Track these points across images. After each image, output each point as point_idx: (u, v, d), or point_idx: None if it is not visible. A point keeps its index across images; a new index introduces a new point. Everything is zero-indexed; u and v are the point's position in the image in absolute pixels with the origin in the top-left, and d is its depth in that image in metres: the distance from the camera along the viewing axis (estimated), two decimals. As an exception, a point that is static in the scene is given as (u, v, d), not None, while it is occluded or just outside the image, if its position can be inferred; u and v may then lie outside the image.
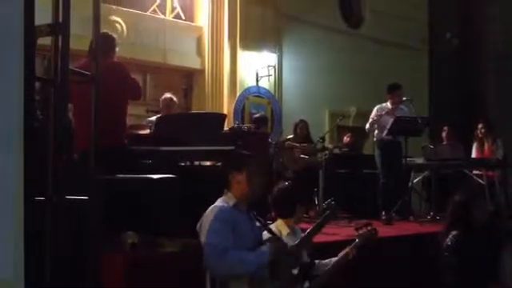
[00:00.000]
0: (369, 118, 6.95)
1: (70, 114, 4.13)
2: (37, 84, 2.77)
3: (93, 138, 2.51)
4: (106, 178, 3.30)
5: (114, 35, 4.58)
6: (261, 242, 3.03)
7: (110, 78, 3.85)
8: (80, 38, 3.26)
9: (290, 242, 3.28)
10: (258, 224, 3.14)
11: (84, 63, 3.85)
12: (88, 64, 3.03)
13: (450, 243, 3.49)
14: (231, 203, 3.00)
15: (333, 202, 3.54)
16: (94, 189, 2.51)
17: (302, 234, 3.43)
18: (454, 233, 3.53)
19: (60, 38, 2.28)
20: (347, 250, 3.35)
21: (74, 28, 2.71)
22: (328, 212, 3.43)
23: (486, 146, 7.30)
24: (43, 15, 2.46)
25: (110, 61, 4.26)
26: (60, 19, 2.32)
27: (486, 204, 3.93)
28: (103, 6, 7.01)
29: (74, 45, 2.65)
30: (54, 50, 2.29)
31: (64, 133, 2.29)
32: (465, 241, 3.45)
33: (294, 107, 9.16)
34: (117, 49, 4.48)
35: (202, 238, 2.92)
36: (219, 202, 3.02)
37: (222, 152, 4.57)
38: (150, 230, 3.76)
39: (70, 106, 4.12)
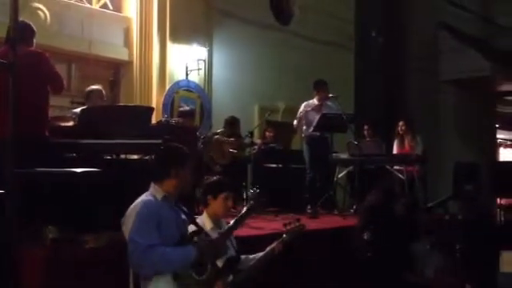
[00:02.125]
0: (297, 113, 7.08)
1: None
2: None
3: (11, 127, 2.40)
4: (26, 171, 3.19)
5: (31, 23, 4.43)
6: (186, 236, 3.02)
7: (29, 66, 3.72)
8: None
9: (214, 235, 3.29)
10: (183, 217, 3.13)
11: (2, 51, 3.70)
12: (6, 52, 2.91)
13: (366, 237, 3.62)
14: (159, 196, 2.96)
15: (257, 190, 3.52)
16: (11, 181, 2.42)
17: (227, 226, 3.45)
18: (371, 226, 3.66)
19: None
20: (274, 245, 3.38)
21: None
22: (251, 203, 3.44)
23: (406, 142, 7.61)
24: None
25: (29, 49, 4.11)
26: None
27: (404, 198, 4.08)
28: (25, -8, 6.76)
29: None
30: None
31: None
32: (382, 233, 3.58)
33: (223, 101, 9.17)
34: (34, 40, 4.34)
35: (126, 234, 2.87)
36: (145, 196, 2.97)
37: (148, 145, 4.52)
38: (72, 225, 3.67)
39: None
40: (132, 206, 2.93)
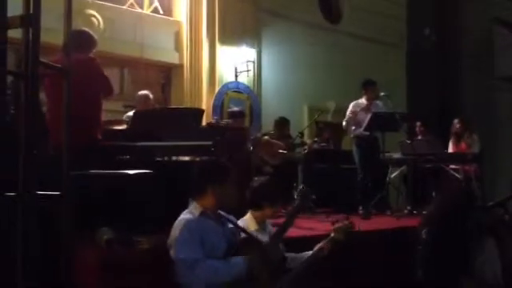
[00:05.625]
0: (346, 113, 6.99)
1: (44, 109, 4.07)
2: (8, 78, 2.73)
3: (65, 132, 2.46)
4: (79, 174, 3.25)
5: (90, 31, 4.52)
6: (235, 245, 2.97)
7: (82, 72, 3.80)
8: (54, 32, 3.20)
9: (259, 237, 3.25)
10: (230, 226, 3.07)
11: (58, 58, 3.80)
12: (61, 58, 2.98)
13: (424, 236, 3.51)
14: (197, 213, 2.92)
15: (304, 189, 3.43)
16: (66, 184, 2.47)
17: (272, 229, 3.40)
18: (428, 227, 3.55)
19: (30, 30, 2.23)
20: (322, 244, 3.31)
21: (48, 21, 2.66)
22: (298, 201, 3.36)
23: (463, 141, 7.38)
24: (15, 7, 2.42)
25: (82, 55, 4.20)
26: (31, 11, 2.27)
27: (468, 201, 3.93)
28: (78, 0, 6.95)
29: (47, 38, 2.61)
30: (25, 42, 2.24)
31: (35, 127, 2.23)
32: (439, 234, 3.47)
33: (272, 102, 9.16)
34: (94, 49, 4.41)
35: (172, 254, 2.87)
36: (184, 215, 2.95)
37: (198, 147, 4.55)
38: (126, 226, 3.72)
39: (45, 100, 4.07)
40: (174, 226, 2.92)
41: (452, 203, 3.65)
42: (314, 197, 3.44)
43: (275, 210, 3.52)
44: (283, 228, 3.22)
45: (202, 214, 2.92)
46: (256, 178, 3.68)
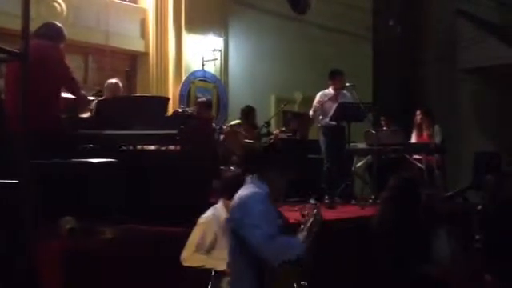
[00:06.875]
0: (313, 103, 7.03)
1: (3, 95, 3.96)
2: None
3: (21, 118, 2.40)
4: (41, 162, 3.19)
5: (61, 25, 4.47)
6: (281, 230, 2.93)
7: (42, 58, 3.73)
8: (14, 17, 3.12)
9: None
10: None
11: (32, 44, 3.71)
12: (33, 46, 2.91)
13: (386, 226, 3.57)
14: (265, 191, 2.88)
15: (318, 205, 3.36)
16: (25, 172, 2.41)
17: None
18: (390, 216, 3.61)
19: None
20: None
21: (9, 6, 2.59)
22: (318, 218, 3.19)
23: (425, 131, 7.51)
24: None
25: (47, 42, 4.12)
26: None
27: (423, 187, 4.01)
28: (41, -15, 6.79)
29: (9, 24, 2.55)
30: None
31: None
32: (401, 223, 3.53)
33: (239, 92, 9.14)
34: (62, 42, 4.36)
35: (244, 221, 2.77)
36: (254, 188, 2.88)
37: (164, 136, 4.51)
38: (89, 215, 3.68)
39: (3, 86, 3.98)
40: (247, 194, 2.84)
41: (396, 191, 3.72)
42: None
43: None
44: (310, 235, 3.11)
45: (267, 194, 2.89)
46: (223, 168, 3.69)
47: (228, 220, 2.95)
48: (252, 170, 2.99)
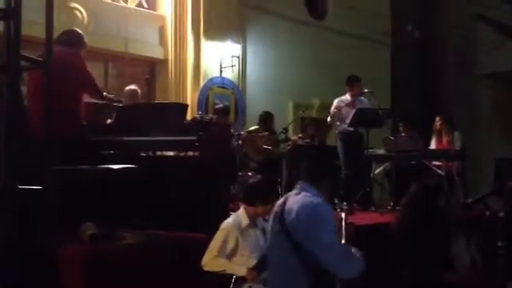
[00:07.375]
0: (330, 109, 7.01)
1: (26, 102, 4.02)
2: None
3: (45, 125, 2.44)
4: (63, 168, 3.23)
5: (81, 31, 4.55)
6: None
7: (64, 65, 3.77)
8: (37, 25, 3.17)
9: (251, 232, 3.25)
10: None
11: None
12: (54, 52, 2.95)
13: (406, 233, 3.55)
14: (322, 199, 2.77)
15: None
16: (48, 178, 2.45)
17: (265, 224, 3.41)
18: (409, 223, 3.59)
19: (12, 23, 2.20)
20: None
21: (31, 14, 2.63)
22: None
23: (444, 138, 7.43)
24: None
25: (68, 50, 4.18)
26: (12, 4, 2.25)
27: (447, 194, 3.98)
28: (62, -7, 6.89)
29: (32, 31, 2.58)
30: (6, 35, 2.21)
31: (16, 119, 2.21)
32: (421, 230, 3.50)
33: (257, 98, 9.16)
34: (82, 49, 4.43)
35: (316, 234, 2.64)
36: (312, 197, 2.73)
37: (183, 142, 4.54)
38: (109, 221, 3.71)
39: (26, 93, 4.04)
40: (309, 205, 2.69)
41: (417, 198, 3.69)
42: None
43: (267, 208, 3.52)
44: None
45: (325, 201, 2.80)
46: (241, 174, 3.71)
47: (280, 225, 2.74)
48: (314, 176, 2.84)
